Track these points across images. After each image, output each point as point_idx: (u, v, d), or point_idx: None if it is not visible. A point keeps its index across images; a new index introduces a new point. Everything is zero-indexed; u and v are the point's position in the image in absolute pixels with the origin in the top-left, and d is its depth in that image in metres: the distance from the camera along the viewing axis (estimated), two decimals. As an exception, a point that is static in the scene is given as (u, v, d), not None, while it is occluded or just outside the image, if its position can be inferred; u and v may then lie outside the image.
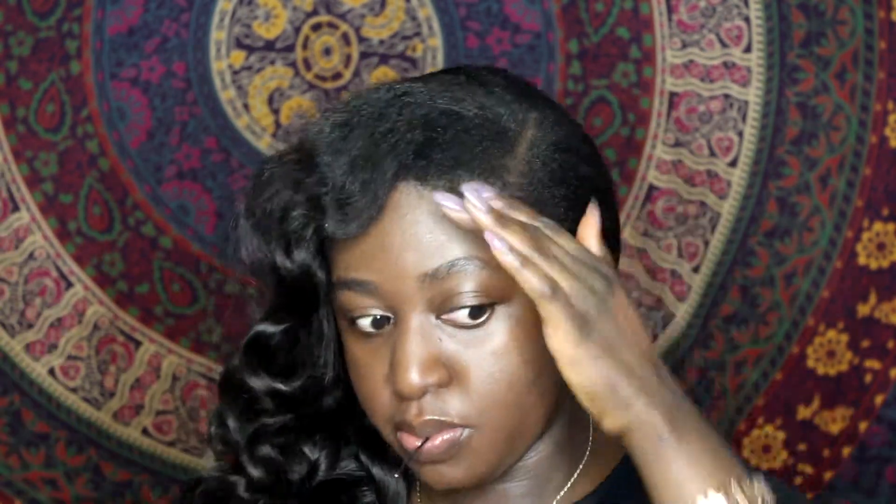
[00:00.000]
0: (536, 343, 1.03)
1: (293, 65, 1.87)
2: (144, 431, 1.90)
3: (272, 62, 1.87)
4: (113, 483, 1.90)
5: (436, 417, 1.06)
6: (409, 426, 1.07)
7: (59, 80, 1.87)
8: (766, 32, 1.88)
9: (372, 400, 1.09)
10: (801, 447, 1.92)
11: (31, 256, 1.89)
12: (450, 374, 1.06)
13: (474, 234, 1.02)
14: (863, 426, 1.92)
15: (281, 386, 1.14)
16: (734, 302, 1.91)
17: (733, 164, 1.90)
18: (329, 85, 1.87)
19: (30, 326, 1.89)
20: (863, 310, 1.91)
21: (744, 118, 1.89)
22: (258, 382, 1.15)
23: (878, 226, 1.91)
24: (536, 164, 1.08)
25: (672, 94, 1.89)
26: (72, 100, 1.87)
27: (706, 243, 1.91)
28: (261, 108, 1.88)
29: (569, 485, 1.14)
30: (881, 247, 1.91)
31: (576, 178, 1.11)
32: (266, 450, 1.15)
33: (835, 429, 1.92)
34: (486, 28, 1.87)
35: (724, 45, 1.88)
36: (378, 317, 1.07)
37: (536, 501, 1.14)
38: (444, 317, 1.06)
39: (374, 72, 1.86)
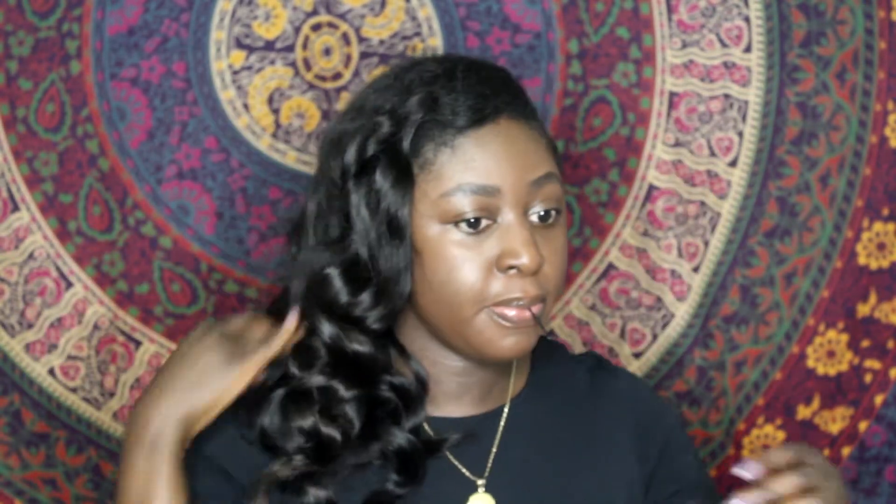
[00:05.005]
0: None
1: (293, 65, 1.87)
2: (144, 431, 1.90)
3: (272, 62, 1.87)
4: (113, 483, 1.90)
5: (539, 291, 1.43)
6: (511, 301, 1.42)
7: (59, 80, 1.87)
8: (766, 32, 1.88)
9: (465, 285, 1.42)
10: (801, 447, 1.93)
11: (31, 256, 1.89)
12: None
13: (550, 154, 1.46)
14: (863, 426, 1.92)
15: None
16: (734, 302, 1.91)
17: (733, 164, 1.90)
18: (329, 85, 1.87)
19: (30, 326, 1.89)
20: (863, 310, 1.91)
21: (744, 118, 1.89)
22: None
23: (878, 226, 1.91)
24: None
25: (672, 94, 1.89)
26: (72, 100, 1.87)
27: (706, 243, 1.91)
28: (261, 108, 1.88)
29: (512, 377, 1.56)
30: (881, 247, 1.91)
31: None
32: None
33: (835, 429, 1.93)
34: (486, 28, 1.87)
35: (724, 45, 1.88)
36: (473, 219, 1.42)
37: (504, 385, 1.55)
38: (531, 217, 1.44)
39: (374, 72, 1.86)
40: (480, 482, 1.51)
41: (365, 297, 1.46)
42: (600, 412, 1.56)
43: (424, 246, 1.44)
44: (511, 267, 1.43)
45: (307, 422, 1.46)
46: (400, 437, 1.47)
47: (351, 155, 1.46)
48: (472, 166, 1.43)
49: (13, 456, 1.89)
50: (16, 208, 1.88)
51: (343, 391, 1.47)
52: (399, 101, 1.46)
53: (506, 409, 1.54)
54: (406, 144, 1.44)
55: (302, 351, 1.49)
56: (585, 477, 1.53)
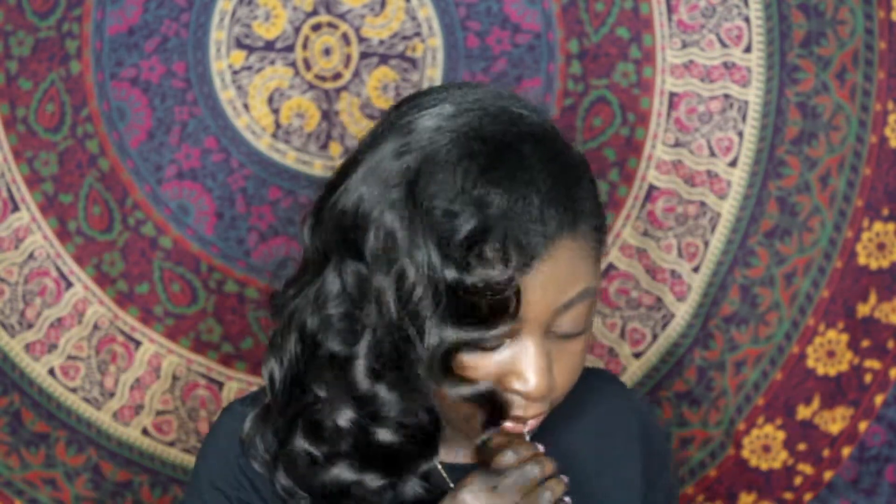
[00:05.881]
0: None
1: (293, 65, 1.87)
2: (144, 431, 1.90)
3: (272, 62, 1.87)
4: (113, 483, 1.90)
5: (541, 411, 1.32)
6: (516, 418, 1.32)
7: (59, 80, 1.87)
8: (766, 32, 1.88)
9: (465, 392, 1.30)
10: (801, 447, 1.93)
11: (31, 256, 1.89)
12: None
13: (592, 261, 1.30)
14: (863, 426, 1.92)
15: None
16: (734, 302, 1.91)
17: (733, 164, 1.90)
18: (329, 85, 1.87)
19: (30, 326, 1.89)
20: (863, 310, 1.91)
21: (744, 118, 1.89)
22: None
23: (878, 226, 1.91)
24: (596, 195, 1.35)
25: (672, 94, 1.89)
26: (72, 100, 1.87)
27: (706, 243, 1.91)
28: (261, 108, 1.88)
29: None
30: (881, 247, 1.91)
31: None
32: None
33: (835, 429, 1.93)
34: (486, 28, 1.87)
35: (724, 45, 1.88)
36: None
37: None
38: (552, 333, 1.30)
39: (374, 72, 1.87)
40: None
41: (383, 391, 1.34)
42: (613, 440, 1.50)
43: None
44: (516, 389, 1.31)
45: None
46: (415, 484, 1.38)
47: (410, 269, 1.27)
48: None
49: (13, 456, 1.89)
50: (16, 208, 1.88)
51: (371, 483, 1.36)
52: (464, 228, 1.25)
53: None
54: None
55: (313, 428, 1.37)
56: None
